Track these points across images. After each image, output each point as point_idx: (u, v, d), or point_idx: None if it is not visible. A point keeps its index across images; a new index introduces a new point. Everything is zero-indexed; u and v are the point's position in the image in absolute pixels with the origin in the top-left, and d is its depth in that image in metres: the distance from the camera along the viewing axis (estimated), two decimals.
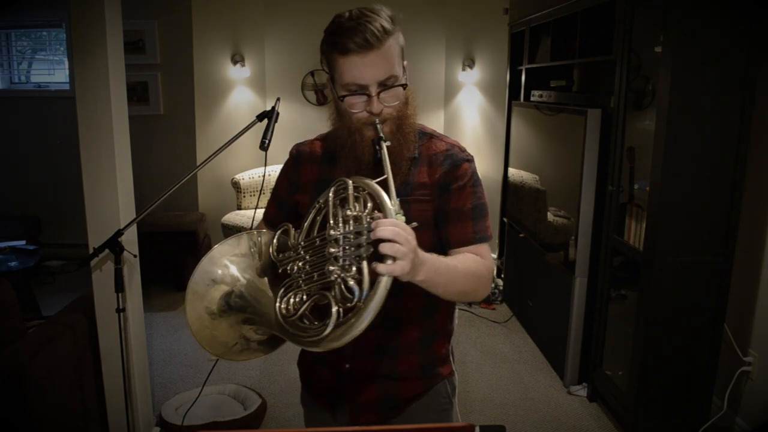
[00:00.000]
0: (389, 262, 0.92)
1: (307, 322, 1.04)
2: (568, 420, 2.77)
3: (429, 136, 1.27)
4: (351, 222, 0.99)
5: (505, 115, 4.25)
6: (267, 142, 1.60)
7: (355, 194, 1.02)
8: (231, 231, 4.50)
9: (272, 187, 1.41)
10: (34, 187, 5.09)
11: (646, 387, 2.43)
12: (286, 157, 1.36)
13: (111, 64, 2.14)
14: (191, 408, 2.48)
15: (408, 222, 0.97)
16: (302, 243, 1.09)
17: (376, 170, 1.13)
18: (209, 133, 4.91)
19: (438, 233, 1.24)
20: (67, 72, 5.10)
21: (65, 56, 5.09)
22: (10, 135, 5.04)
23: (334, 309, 0.96)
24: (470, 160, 1.26)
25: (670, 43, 2.19)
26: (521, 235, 3.78)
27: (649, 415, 2.46)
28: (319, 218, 1.10)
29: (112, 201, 2.21)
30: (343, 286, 0.96)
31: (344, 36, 1.08)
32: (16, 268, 3.50)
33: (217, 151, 1.76)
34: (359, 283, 0.94)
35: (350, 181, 1.03)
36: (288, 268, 1.10)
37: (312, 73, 5.09)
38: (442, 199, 1.22)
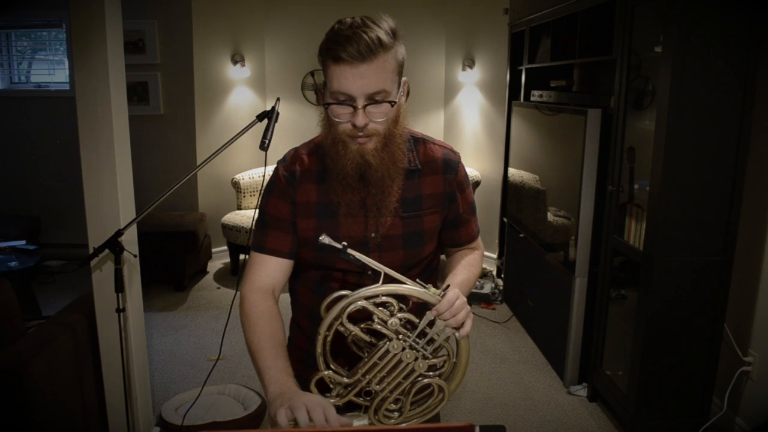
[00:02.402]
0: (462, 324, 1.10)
1: (415, 404, 1.15)
2: (568, 420, 2.78)
3: (422, 141, 1.27)
4: (400, 327, 1.07)
5: (505, 115, 4.25)
6: (267, 142, 1.60)
7: (380, 306, 1.08)
8: (231, 231, 4.50)
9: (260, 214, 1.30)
10: (34, 187, 5.10)
11: (646, 387, 2.43)
12: None
13: (111, 64, 2.14)
14: (191, 408, 2.48)
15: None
16: (366, 371, 1.09)
17: (361, 184, 1.17)
18: (209, 133, 4.91)
19: (445, 235, 1.32)
20: (67, 72, 5.10)
21: (65, 56, 5.09)
22: (10, 135, 5.04)
23: (436, 381, 1.12)
24: (460, 159, 1.32)
25: (670, 43, 2.19)
26: (521, 235, 3.78)
27: (649, 415, 2.46)
28: (329, 337, 1.09)
29: (112, 201, 2.21)
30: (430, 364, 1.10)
31: (339, 44, 1.06)
32: (16, 268, 3.50)
33: (217, 151, 1.76)
34: (440, 350, 1.11)
35: (361, 303, 1.06)
36: (353, 395, 1.11)
37: (312, 73, 5.09)
38: (452, 206, 1.29)
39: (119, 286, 2.01)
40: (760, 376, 2.48)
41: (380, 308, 1.07)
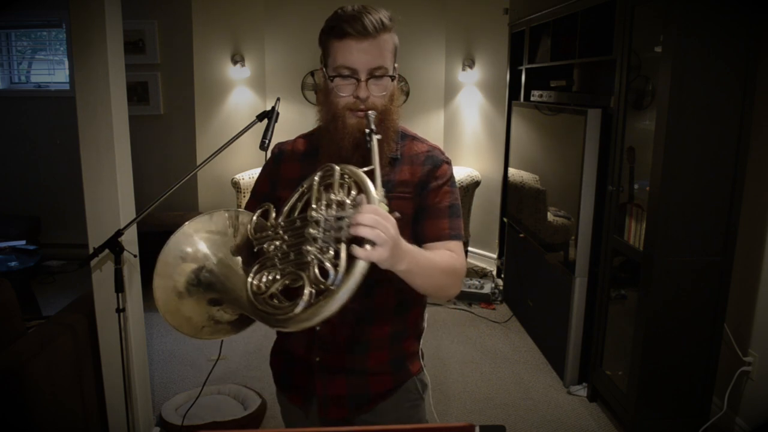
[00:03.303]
0: (368, 247, 0.93)
1: (278, 302, 1.04)
2: (568, 420, 2.77)
3: (411, 138, 1.31)
4: (334, 206, 1.00)
5: (505, 115, 4.25)
6: (267, 142, 1.60)
7: (341, 181, 1.03)
8: None
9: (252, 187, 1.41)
10: (34, 187, 5.09)
11: (646, 387, 2.43)
12: None
13: (111, 64, 2.14)
14: (191, 408, 2.48)
15: (391, 213, 0.98)
16: (282, 223, 1.09)
17: (357, 157, 1.16)
18: (209, 133, 4.91)
19: (415, 230, 1.26)
20: (67, 72, 5.10)
21: (65, 56, 5.09)
22: (10, 135, 5.04)
23: (307, 290, 0.96)
24: (449, 162, 1.30)
25: (670, 43, 2.19)
26: (521, 235, 3.78)
27: (649, 415, 2.46)
28: (300, 204, 1.10)
29: (112, 201, 2.21)
30: (317, 268, 0.97)
31: (344, 21, 1.13)
32: (16, 268, 3.50)
33: (217, 151, 1.76)
34: (335, 266, 0.95)
35: (337, 167, 1.05)
36: (264, 247, 1.09)
37: (312, 73, 5.09)
38: (421, 196, 1.26)
39: (119, 286, 2.01)
40: (760, 376, 2.48)
41: (342, 189, 1.03)
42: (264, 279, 1.06)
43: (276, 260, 1.06)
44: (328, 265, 0.95)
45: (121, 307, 2.07)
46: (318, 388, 1.30)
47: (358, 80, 1.15)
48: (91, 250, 2.01)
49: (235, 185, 4.83)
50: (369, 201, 0.97)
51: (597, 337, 2.82)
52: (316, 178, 1.07)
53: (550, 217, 3.29)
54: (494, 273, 4.62)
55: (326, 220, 0.98)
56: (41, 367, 1.96)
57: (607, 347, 2.79)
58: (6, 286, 2.02)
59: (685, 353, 2.41)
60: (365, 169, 1.03)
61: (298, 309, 0.96)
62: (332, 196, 1.01)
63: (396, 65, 1.21)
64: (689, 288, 2.35)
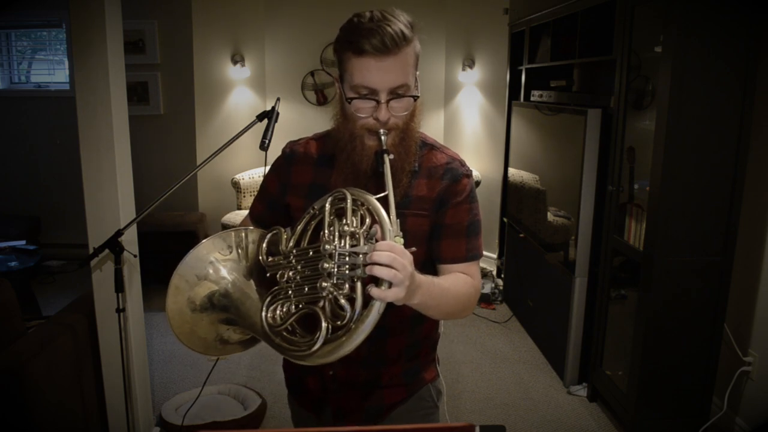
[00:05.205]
0: (384, 286, 0.91)
1: (291, 335, 1.03)
2: (568, 420, 2.77)
3: (430, 147, 1.24)
4: (347, 238, 0.97)
5: (505, 115, 4.25)
6: (267, 142, 1.60)
7: (354, 208, 1.00)
8: None
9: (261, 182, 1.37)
10: (34, 187, 5.09)
11: (646, 387, 2.43)
12: None
13: (111, 64, 2.14)
14: (191, 408, 2.48)
15: (406, 244, 0.96)
16: (294, 251, 1.06)
17: (374, 180, 1.11)
18: (209, 133, 4.91)
19: (430, 246, 1.22)
20: (67, 72, 5.10)
21: (65, 56, 5.09)
22: (10, 135, 5.04)
23: (324, 325, 0.95)
24: (470, 175, 1.24)
25: (670, 43, 2.19)
26: (521, 235, 3.78)
27: (649, 415, 2.46)
28: (313, 224, 1.07)
29: (112, 201, 2.21)
30: (334, 303, 0.96)
31: (362, 36, 1.03)
32: (16, 268, 3.50)
33: (217, 151, 1.76)
34: (351, 301, 0.94)
35: (349, 194, 1.01)
36: (277, 275, 1.08)
37: (312, 73, 5.09)
38: (439, 213, 1.20)
39: (119, 286, 2.01)
40: (760, 376, 2.48)
41: (356, 217, 1.00)
42: (278, 312, 1.05)
43: (289, 291, 1.04)
44: (343, 301, 0.94)
45: (121, 307, 2.07)
46: (331, 402, 1.28)
47: (378, 101, 1.07)
48: (91, 250, 2.01)
49: (235, 185, 4.84)
50: (383, 234, 0.95)
51: (597, 337, 2.82)
52: (327, 205, 1.03)
53: (550, 217, 3.29)
54: (494, 273, 4.62)
55: (340, 255, 0.96)
56: (41, 367, 1.96)
57: (607, 347, 2.79)
58: (6, 286, 2.02)
59: (685, 353, 2.41)
60: (378, 195, 0.99)
61: (316, 346, 0.95)
62: (345, 227, 0.98)
63: (418, 73, 1.12)
64: (689, 288, 2.35)
